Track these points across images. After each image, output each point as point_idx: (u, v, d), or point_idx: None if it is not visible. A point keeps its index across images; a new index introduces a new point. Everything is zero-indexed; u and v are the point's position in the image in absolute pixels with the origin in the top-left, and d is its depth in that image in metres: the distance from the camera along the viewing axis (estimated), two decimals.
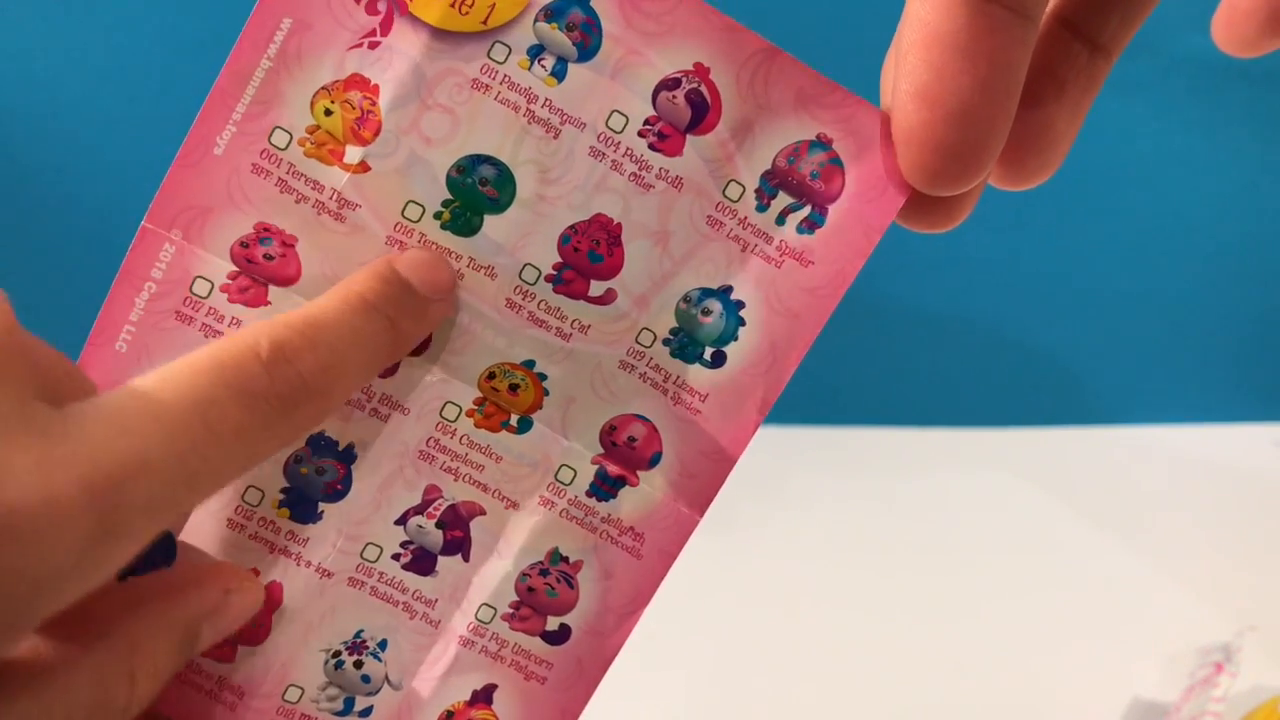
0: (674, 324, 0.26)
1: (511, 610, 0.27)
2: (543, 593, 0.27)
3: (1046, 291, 0.71)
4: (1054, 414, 0.74)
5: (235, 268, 0.25)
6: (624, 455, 0.26)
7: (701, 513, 0.26)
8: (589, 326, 0.26)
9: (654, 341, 0.26)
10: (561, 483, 0.26)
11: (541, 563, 0.27)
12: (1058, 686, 0.57)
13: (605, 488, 0.26)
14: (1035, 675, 0.57)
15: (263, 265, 0.25)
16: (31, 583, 0.17)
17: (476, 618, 0.27)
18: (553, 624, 0.27)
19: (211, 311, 0.25)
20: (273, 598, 0.26)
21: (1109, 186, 0.67)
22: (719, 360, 0.26)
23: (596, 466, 0.26)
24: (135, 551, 0.20)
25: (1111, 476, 0.71)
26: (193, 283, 0.25)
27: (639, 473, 0.26)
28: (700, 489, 0.26)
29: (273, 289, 0.25)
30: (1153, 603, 0.62)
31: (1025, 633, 0.60)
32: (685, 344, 0.26)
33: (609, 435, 0.26)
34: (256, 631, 0.26)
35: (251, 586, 0.26)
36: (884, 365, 0.71)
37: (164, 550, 0.25)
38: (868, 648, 0.59)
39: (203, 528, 0.26)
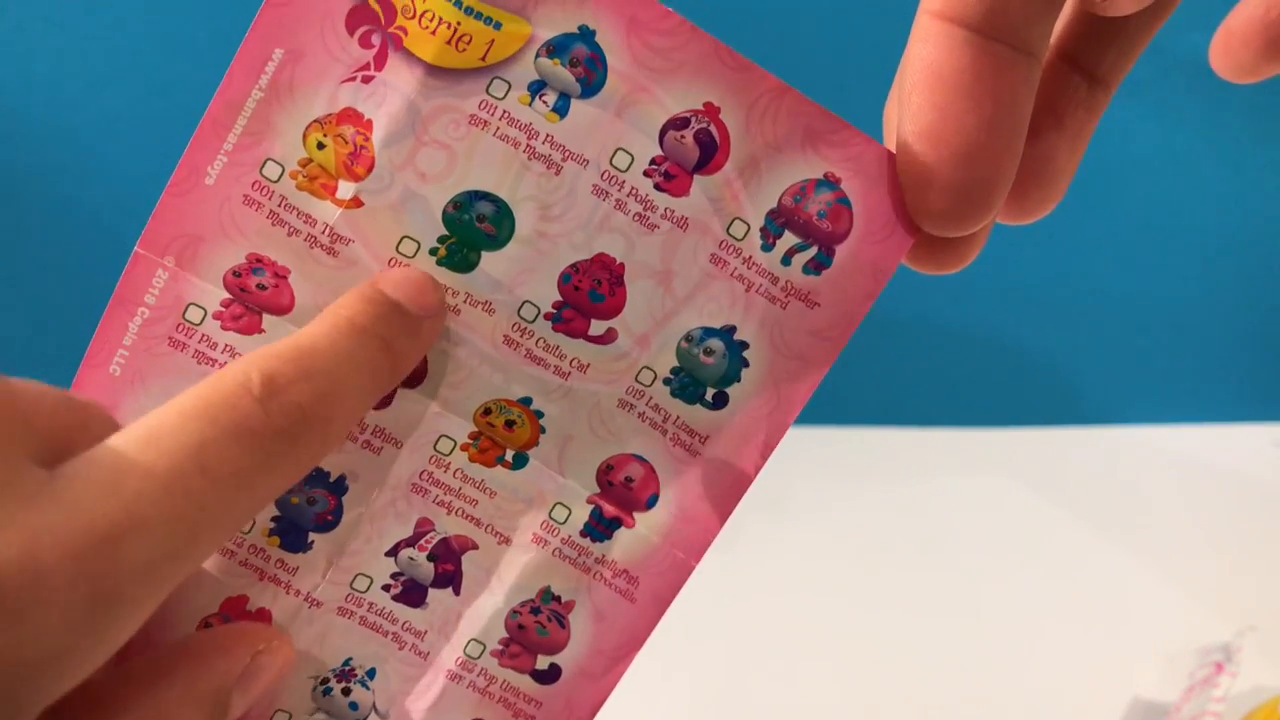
0: (675, 363, 0.25)
1: (501, 647, 0.27)
2: (533, 631, 0.26)
3: (1046, 292, 0.71)
4: (1054, 414, 0.74)
5: (229, 295, 0.24)
6: (620, 496, 0.26)
7: (697, 559, 0.26)
8: (588, 365, 0.25)
9: (654, 381, 0.25)
10: (555, 521, 0.26)
11: (533, 600, 0.26)
12: (1058, 686, 0.57)
13: (600, 528, 0.26)
14: (1036, 675, 0.57)
15: (256, 294, 0.24)
16: (25, 667, 0.16)
17: (465, 652, 0.27)
18: (542, 663, 0.27)
19: (205, 339, 0.25)
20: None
21: (1108, 186, 0.67)
22: (721, 401, 0.25)
23: (592, 506, 0.26)
24: (139, 621, 0.18)
25: (1112, 477, 0.71)
26: (185, 309, 0.24)
27: (635, 514, 0.26)
28: (697, 534, 0.26)
29: (267, 317, 0.25)
30: (1153, 603, 0.62)
31: (1026, 633, 0.60)
32: (686, 384, 0.25)
33: (606, 475, 0.26)
34: None
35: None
36: (885, 365, 0.71)
37: None
38: (865, 646, 0.59)
39: None
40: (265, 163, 0.24)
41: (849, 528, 0.66)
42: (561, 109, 0.23)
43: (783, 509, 0.66)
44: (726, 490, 0.25)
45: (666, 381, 0.25)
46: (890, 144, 0.23)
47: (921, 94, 0.21)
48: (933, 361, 0.73)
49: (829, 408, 0.73)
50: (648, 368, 0.25)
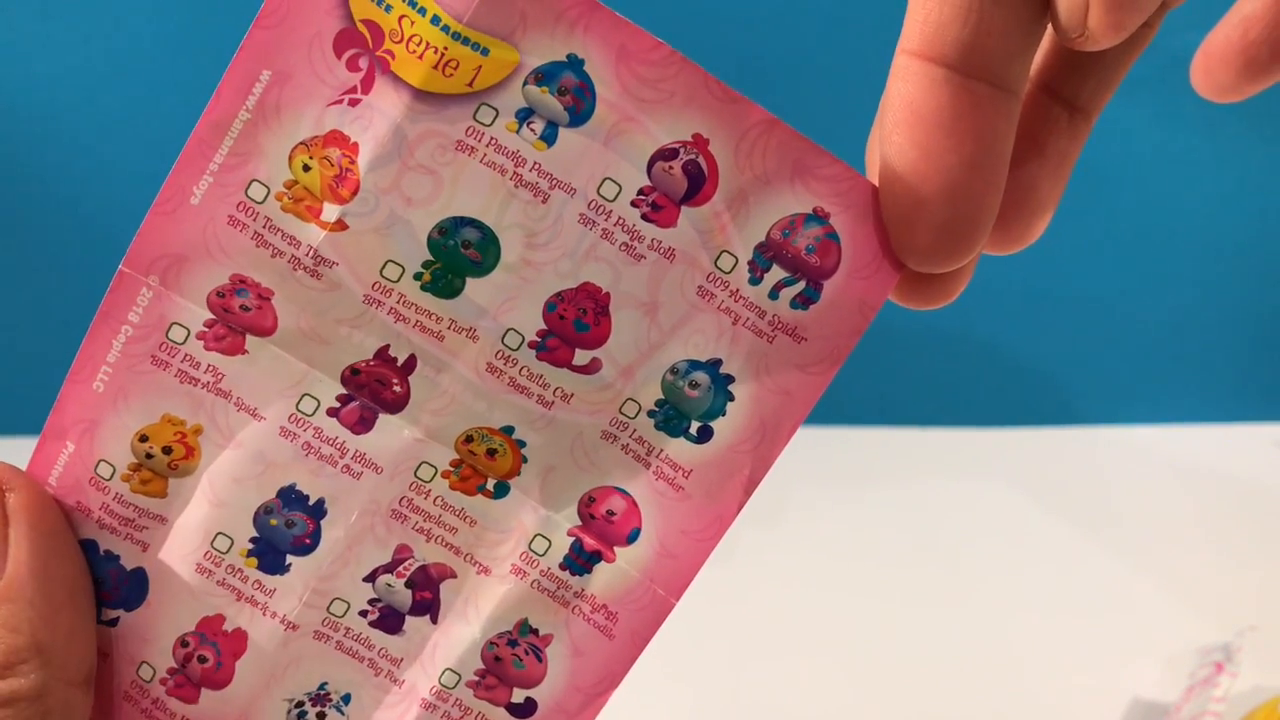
0: (660, 395, 0.25)
1: (477, 678, 0.26)
2: (510, 664, 0.26)
3: (1046, 291, 0.71)
4: (1054, 414, 0.74)
5: (212, 316, 0.24)
6: (601, 529, 0.26)
7: (678, 597, 0.26)
8: (571, 395, 0.25)
9: (638, 413, 0.25)
10: (535, 552, 0.26)
11: (510, 633, 0.26)
12: (1057, 686, 0.57)
13: (580, 561, 0.26)
14: (1035, 675, 0.57)
15: (239, 315, 0.24)
16: None
17: (440, 682, 0.26)
18: (518, 696, 0.26)
19: (187, 358, 0.25)
20: (238, 645, 0.26)
21: (1107, 185, 0.67)
22: (705, 435, 0.25)
23: (572, 539, 0.26)
24: None
25: (1112, 477, 0.71)
26: (169, 328, 0.24)
27: (616, 549, 0.26)
28: (678, 571, 0.25)
29: (250, 338, 0.24)
30: (1153, 603, 0.62)
31: (1025, 633, 0.60)
32: (671, 417, 0.25)
33: (588, 507, 0.26)
34: (220, 675, 0.26)
35: None
36: (883, 365, 0.71)
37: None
38: (863, 646, 0.59)
39: (173, 570, 0.26)
40: (251, 184, 0.24)
41: (846, 527, 0.66)
42: (549, 137, 0.23)
43: (778, 508, 0.66)
44: (708, 526, 0.25)
45: (651, 414, 0.25)
46: (872, 180, 0.23)
47: (902, 133, 0.21)
48: (932, 361, 0.73)
49: (825, 408, 0.73)
50: (632, 399, 0.25)
